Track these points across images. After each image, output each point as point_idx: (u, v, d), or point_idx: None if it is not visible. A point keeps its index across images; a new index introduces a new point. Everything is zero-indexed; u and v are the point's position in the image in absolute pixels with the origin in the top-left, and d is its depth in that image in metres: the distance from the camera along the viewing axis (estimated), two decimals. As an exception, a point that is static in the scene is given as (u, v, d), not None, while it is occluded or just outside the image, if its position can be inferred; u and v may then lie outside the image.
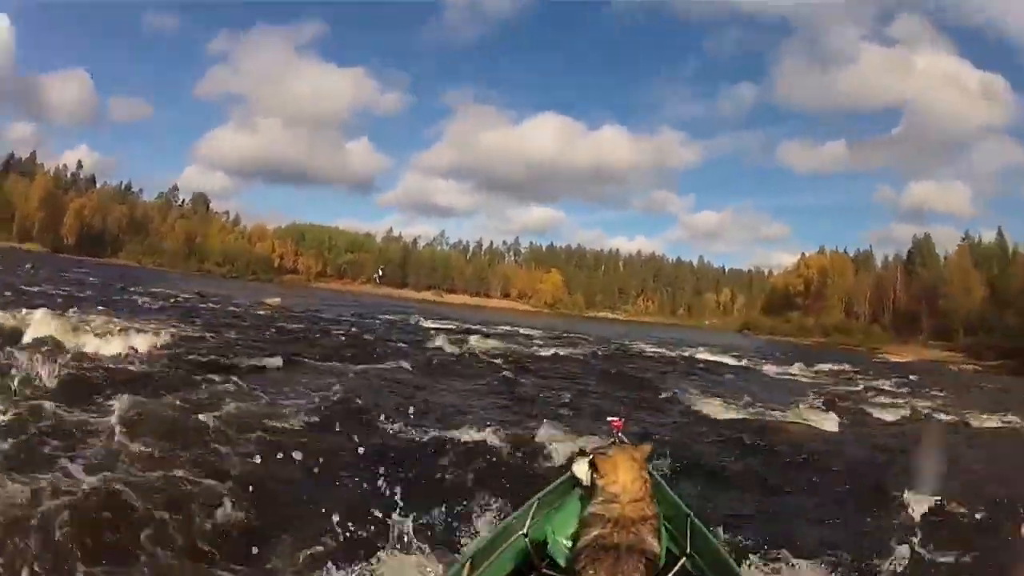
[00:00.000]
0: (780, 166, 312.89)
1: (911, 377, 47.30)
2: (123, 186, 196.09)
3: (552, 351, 37.04)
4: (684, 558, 5.13)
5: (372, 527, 7.38)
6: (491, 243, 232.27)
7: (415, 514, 7.61)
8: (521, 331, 56.60)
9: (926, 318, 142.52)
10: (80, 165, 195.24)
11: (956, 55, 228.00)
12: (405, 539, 7.26)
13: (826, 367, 48.15)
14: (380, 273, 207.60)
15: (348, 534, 7.31)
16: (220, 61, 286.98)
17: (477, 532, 8.03)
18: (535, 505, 5.69)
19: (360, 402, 15.18)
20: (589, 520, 4.52)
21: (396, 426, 13.27)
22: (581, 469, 5.01)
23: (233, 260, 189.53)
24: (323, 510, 7.59)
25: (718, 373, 36.03)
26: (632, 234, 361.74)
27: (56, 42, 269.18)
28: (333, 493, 8.80)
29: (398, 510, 7.41)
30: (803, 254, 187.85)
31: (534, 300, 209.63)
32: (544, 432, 13.29)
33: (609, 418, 7.30)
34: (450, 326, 50.27)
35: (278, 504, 8.29)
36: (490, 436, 12.71)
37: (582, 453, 5.27)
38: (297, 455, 9.24)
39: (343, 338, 32.50)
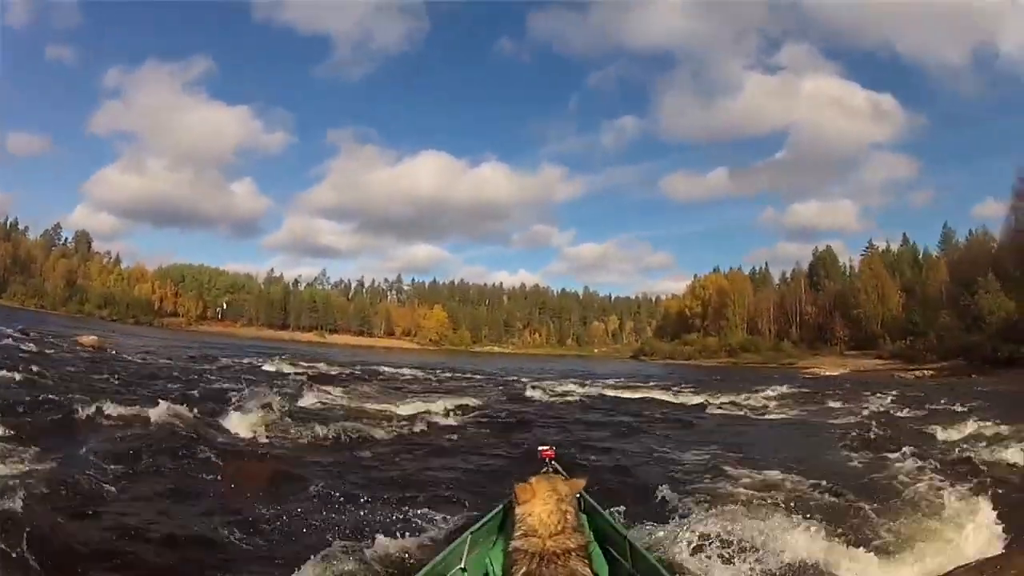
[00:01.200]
0: (662, 196, 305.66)
1: (892, 392, 40.86)
2: (8, 224, 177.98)
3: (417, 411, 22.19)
4: None
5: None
6: (373, 281, 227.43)
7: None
8: (393, 371, 46.23)
9: (840, 328, 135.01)
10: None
11: (844, 78, 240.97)
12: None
13: (775, 391, 39.58)
14: (223, 306, 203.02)
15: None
16: (113, 96, 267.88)
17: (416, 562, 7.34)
18: (469, 539, 5.38)
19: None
20: (514, 556, 4.43)
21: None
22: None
23: (114, 302, 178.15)
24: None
25: (674, 420, 24.94)
26: (514, 268, 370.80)
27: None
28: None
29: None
30: (696, 276, 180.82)
31: (419, 337, 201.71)
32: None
33: (540, 447, 7.27)
34: (305, 370, 39.00)
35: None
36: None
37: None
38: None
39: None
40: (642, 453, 16.06)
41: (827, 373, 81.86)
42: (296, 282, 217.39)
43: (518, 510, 4.67)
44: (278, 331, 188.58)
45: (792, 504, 9.74)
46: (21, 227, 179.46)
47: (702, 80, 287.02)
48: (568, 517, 4.51)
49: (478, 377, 46.64)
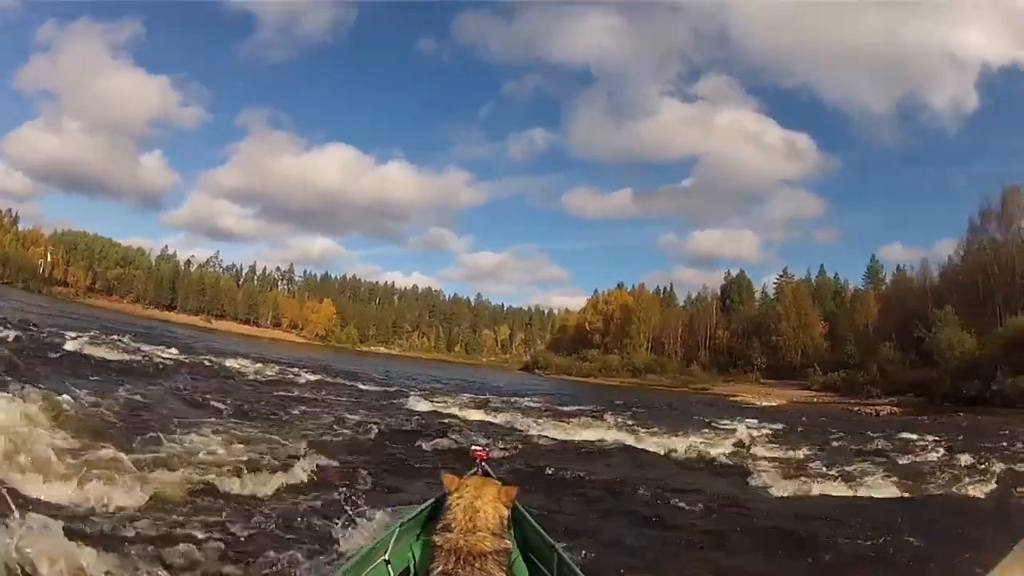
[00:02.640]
0: (564, 211, 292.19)
1: (882, 432, 32.56)
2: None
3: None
4: None
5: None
6: (265, 269, 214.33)
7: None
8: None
9: (758, 355, 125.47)
10: None
11: (762, 113, 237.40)
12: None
13: (741, 427, 30.15)
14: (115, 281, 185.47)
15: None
16: (43, 51, 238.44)
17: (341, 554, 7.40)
18: (398, 530, 5.28)
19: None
20: (433, 552, 4.28)
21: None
22: None
23: (4, 263, 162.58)
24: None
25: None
26: (409, 270, 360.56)
27: None
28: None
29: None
30: (596, 291, 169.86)
31: (306, 331, 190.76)
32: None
33: (473, 447, 7.68)
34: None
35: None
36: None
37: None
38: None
39: None
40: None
41: (764, 404, 71.29)
42: (188, 262, 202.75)
43: (444, 504, 4.55)
44: (164, 311, 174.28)
45: None
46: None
47: (617, 100, 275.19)
48: (484, 517, 4.24)
49: (359, 387, 35.86)
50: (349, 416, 19.77)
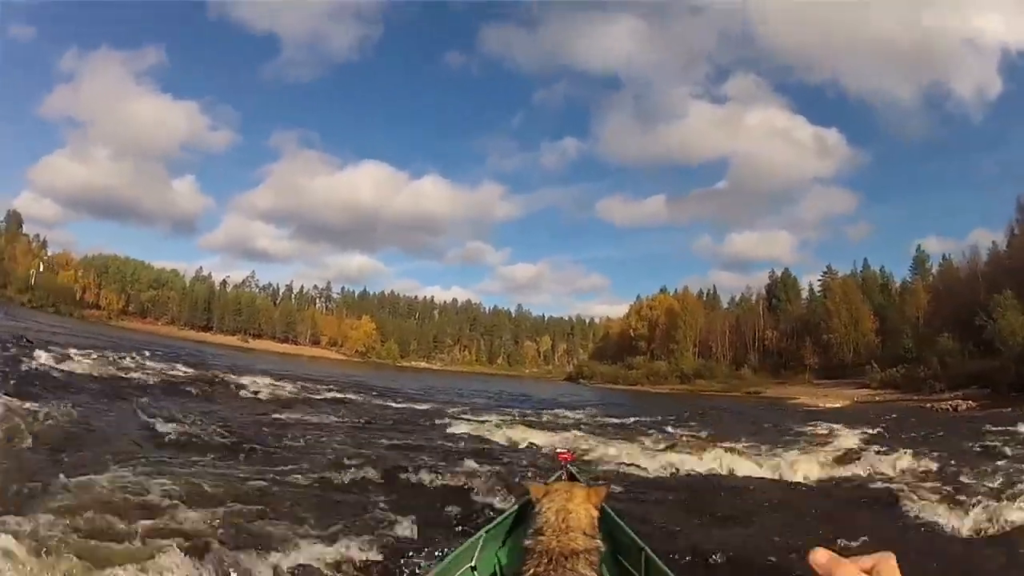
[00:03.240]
0: (599, 219, 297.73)
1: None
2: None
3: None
4: None
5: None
6: (302, 288, 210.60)
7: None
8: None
9: (809, 355, 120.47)
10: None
11: (791, 111, 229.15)
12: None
13: (836, 435, 26.81)
14: (148, 303, 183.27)
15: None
16: (66, 80, 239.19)
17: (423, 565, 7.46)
18: (483, 537, 5.36)
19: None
20: (525, 555, 4.26)
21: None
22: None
23: (35, 288, 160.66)
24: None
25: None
26: (448, 284, 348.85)
27: None
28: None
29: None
30: (639, 297, 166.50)
31: (346, 348, 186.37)
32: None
33: (558, 450, 9.08)
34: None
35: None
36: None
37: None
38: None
39: None
40: None
41: (828, 405, 67.56)
42: (224, 283, 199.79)
43: (534, 511, 4.53)
44: (200, 332, 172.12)
45: None
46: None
47: (646, 105, 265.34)
48: (576, 518, 4.26)
49: (390, 405, 32.35)
50: (361, 447, 16.05)
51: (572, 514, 4.23)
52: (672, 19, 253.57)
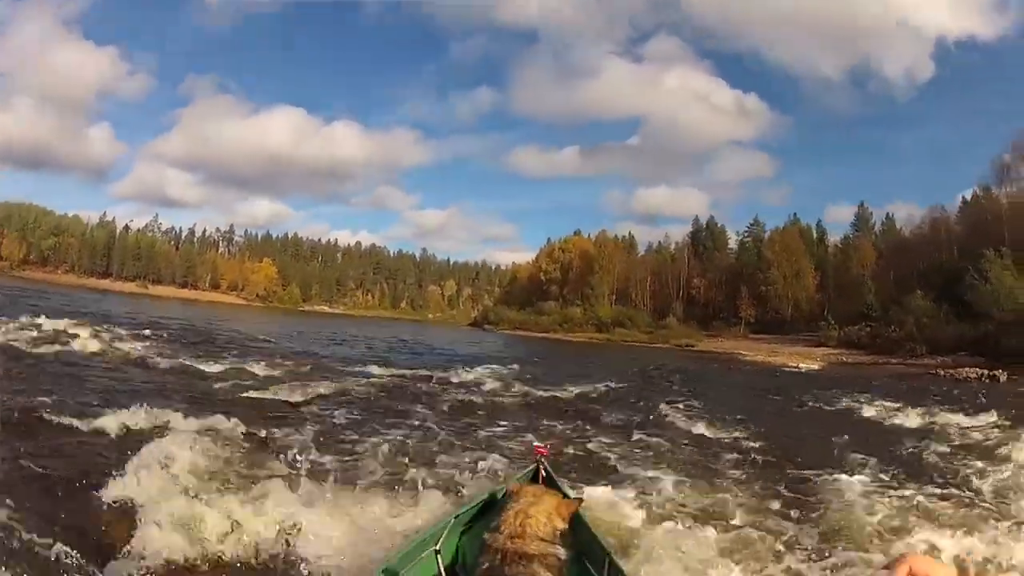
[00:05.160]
0: (511, 169, 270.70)
1: None
2: None
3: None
4: None
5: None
6: (204, 231, 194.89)
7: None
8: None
9: (746, 307, 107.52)
10: None
11: (710, 74, 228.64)
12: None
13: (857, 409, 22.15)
14: (50, 251, 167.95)
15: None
16: None
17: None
18: (450, 523, 5.38)
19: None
20: (482, 548, 4.43)
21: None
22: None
23: None
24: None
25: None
26: (356, 229, 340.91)
27: None
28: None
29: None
30: (549, 239, 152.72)
31: (247, 292, 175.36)
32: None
33: (535, 443, 8.25)
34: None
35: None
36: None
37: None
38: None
39: None
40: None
41: (804, 367, 56.87)
42: (126, 228, 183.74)
43: (498, 505, 4.91)
44: (100, 279, 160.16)
45: None
46: None
47: (564, 60, 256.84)
48: (535, 524, 4.32)
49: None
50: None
51: (531, 519, 4.26)
52: None
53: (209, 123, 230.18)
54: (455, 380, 22.61)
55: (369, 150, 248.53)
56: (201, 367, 19.73)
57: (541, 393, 21.12)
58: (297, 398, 16.19)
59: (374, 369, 23.55)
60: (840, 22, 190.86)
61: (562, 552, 4.24)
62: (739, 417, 17.77)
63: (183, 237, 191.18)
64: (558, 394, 21.56)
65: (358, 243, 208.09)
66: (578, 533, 4.82)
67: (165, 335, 29.33)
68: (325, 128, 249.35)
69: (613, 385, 25.23)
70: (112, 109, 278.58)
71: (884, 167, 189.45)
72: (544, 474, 6.15)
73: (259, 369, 20.84)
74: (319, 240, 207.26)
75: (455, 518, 5.30)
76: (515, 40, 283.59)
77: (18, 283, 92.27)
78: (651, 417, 17.36)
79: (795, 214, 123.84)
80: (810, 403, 24.12)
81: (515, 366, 31.64)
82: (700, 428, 15.64)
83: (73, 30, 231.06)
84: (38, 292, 63.76)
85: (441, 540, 4.94)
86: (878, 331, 78.57)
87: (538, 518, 4.29)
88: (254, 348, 30.65)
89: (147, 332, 29.05)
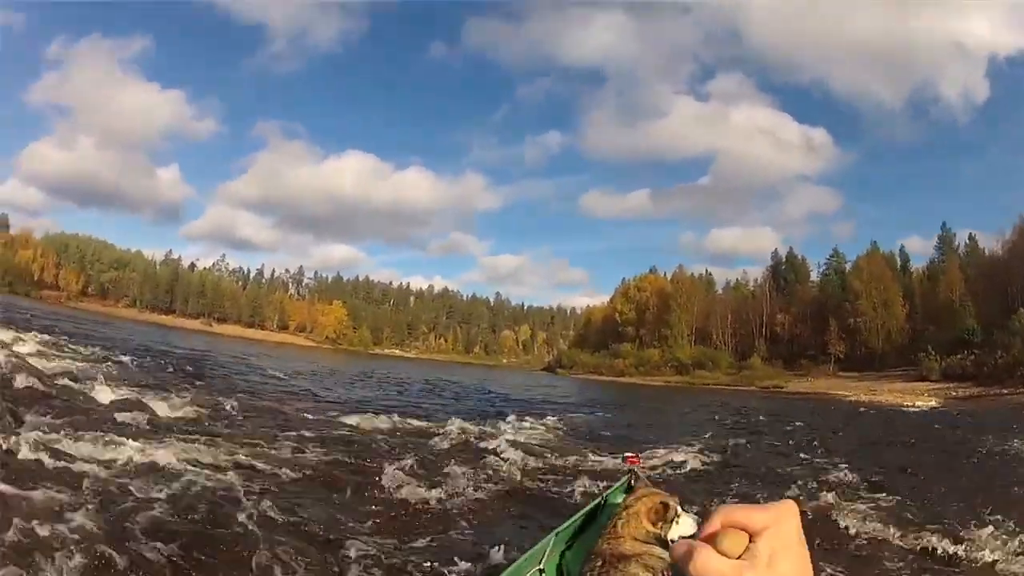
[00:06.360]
0: (581, 213, 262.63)
1: None
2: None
3: None
4: None
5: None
6: (273, 272, 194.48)
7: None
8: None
9: (835, 342, 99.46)
10: None
11: (775, 109, 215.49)
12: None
13: None
14: (109, 284, 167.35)
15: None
16: (54, 68, 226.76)
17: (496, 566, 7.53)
18: (552, 540, 5.25)
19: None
20: (585, 557, 4.51)
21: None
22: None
23: None
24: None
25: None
26: (430, 275, 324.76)
27: None
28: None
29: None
30: (624, 279, 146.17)
31: (315, 334, 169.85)
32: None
33: (626, 453, 7.22)
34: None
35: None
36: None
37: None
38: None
39: None
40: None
41: (921, 405, 51.05)
42: (192, 265, 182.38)
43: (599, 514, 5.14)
44: (162, 315, 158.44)
45: None
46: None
47: (630, 101, 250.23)
48: (628, 525, 4.25)
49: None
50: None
51: (625, 521, 4.19)
52: (659, 16, 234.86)
53: (280, 167, 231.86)
54: (473, 439, 17.09)
55: (440, 195, 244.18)
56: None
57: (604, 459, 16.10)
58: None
59: (352, 419, 19.70)
60: (897, 48, 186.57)
61: (661, 551, 4.13)
62: (912, 486, 13.78)
63: (251, 277, 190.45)
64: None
65: (431, 287, 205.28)
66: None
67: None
68: (397, 174, 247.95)
69: (708, 440, 21.02)
70: (180, 151, 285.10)
71: (949, 194, 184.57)
72: (637, 483, 5.83)
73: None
74: (391, 283, 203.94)
75: (556, 535, 5.10)
76: (581, 81, 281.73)
77: (74, 313, 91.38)
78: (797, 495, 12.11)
79: (874, 242, 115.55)
80: (975, 450, 20.64)
81: (578, 413, 30.57)
82: (881, 524, 10.50)
83: (135, 72, 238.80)
84: (96, 322, 63.35)
85: (544, 558, 4.91)
86: (983, 359, 72.39)
87: (632, 519, 4.19)
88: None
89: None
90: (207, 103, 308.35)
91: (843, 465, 15.91)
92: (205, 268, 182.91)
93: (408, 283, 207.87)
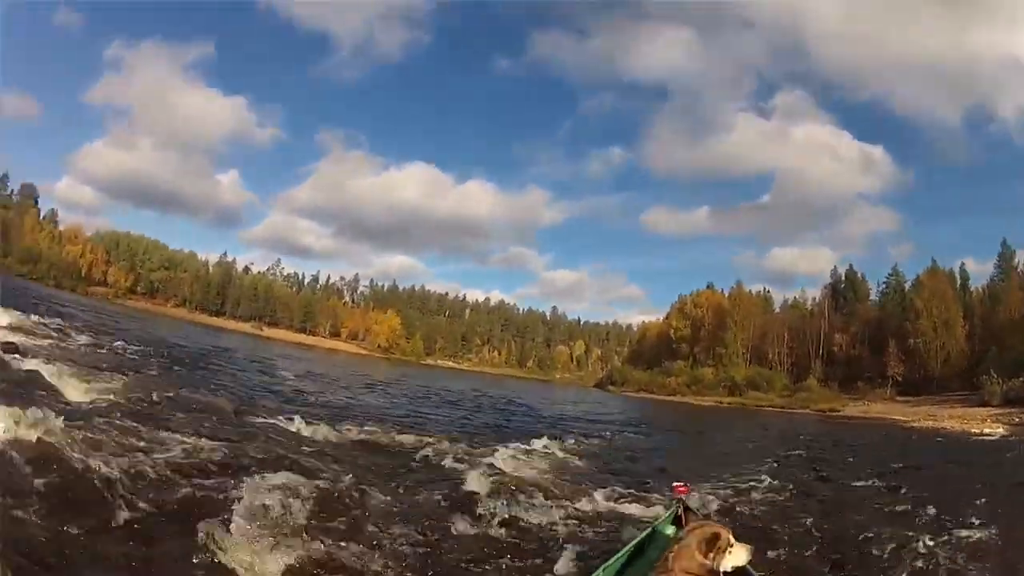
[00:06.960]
0: (641, 229, 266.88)
1: None
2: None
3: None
4: None
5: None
6: (328, 278, 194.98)
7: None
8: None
9: (895, 363, 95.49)
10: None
11: (835, 126, 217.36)
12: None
13: None
14: (157, 283, 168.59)
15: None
16: (113, 70, 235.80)
17: None
18: (600, 573, 5.49)
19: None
20: None
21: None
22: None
23: (35, 260, 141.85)
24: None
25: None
26: (489, 287, 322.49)
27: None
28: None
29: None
30: (680, 295, 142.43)
31: (367, 342, 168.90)
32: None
33: (674, 483, 7.44)
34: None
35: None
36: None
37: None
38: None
39: None
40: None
41: (990, 432, 48.33)
42: (247, 268, 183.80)
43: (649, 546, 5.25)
44: (212, 317, 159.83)
45: None
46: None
47: (693, 116, 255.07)
48: (681, 559, 4.32)
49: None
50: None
51: (676, 554, 4.28)
52: (723, 31, 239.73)
53: (341, 176, 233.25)
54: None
55: (501, 209, 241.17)
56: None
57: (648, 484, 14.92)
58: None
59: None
60: (957, 64, 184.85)
61: None
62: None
63: (305, 283, 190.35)
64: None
65: (487, 299, 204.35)
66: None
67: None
68: (459, 186, 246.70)
69: (769, 470, 18.52)
70: (241, 156, 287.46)
71: (1006, 214, 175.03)
72: (687, 514, 6.10)
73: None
74: (446, 294, 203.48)
75: (603, 570, 5.26)
76: (645, 97, 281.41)
77: (124, 311, 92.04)
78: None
79: (934, 259, 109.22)
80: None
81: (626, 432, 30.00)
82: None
83: (196, 77, 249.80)
84: (131, 318, 64.46)
85: None
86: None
87: (684, 551, 4.26)
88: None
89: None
90: (269, 110, 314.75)
91: (974, 520, 11.86)
92: (259, 272, 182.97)
93: (464, 295, 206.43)
